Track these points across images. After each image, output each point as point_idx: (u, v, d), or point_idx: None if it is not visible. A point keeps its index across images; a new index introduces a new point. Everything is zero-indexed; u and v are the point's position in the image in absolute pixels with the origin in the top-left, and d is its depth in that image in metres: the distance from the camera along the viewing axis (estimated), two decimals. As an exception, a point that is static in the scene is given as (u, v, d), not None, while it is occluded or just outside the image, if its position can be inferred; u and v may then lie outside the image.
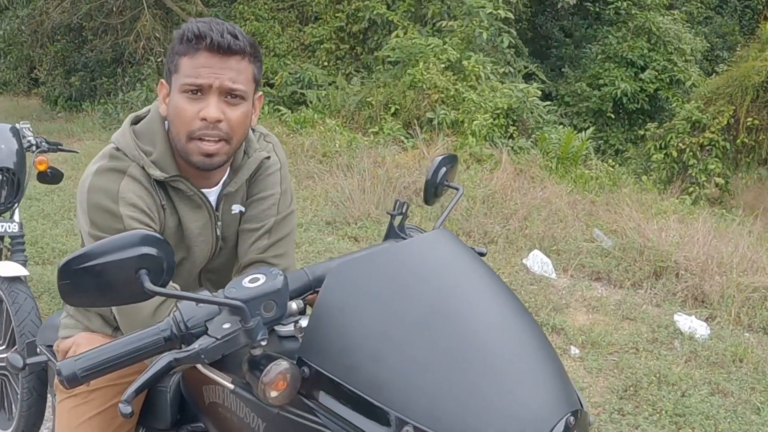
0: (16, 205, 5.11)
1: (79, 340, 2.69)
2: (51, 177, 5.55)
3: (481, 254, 2.30)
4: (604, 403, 5.51)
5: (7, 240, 5.18)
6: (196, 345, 1.71)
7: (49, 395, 4.17)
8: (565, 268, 8.25)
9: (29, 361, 3.59)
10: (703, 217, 9.84)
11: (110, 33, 19.26)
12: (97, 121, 17.23)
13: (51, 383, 3.62)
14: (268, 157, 2.64)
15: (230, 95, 2.31)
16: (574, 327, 6.71)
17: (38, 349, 3.56)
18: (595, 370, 6.00)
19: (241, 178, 2.58)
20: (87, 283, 1.71)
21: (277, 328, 1.95)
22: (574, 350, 6.31)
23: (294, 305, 1.99)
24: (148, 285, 1.69)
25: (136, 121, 2.53)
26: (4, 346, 4.78)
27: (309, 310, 2.05)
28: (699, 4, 21.29)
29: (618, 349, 6.39)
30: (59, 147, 5.59)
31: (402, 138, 12.67)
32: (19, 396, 4.50)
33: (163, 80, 2.44)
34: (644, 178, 13.85)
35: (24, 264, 4.93)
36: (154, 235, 1.75)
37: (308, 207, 9.82)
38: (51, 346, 3.28)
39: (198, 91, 2.29)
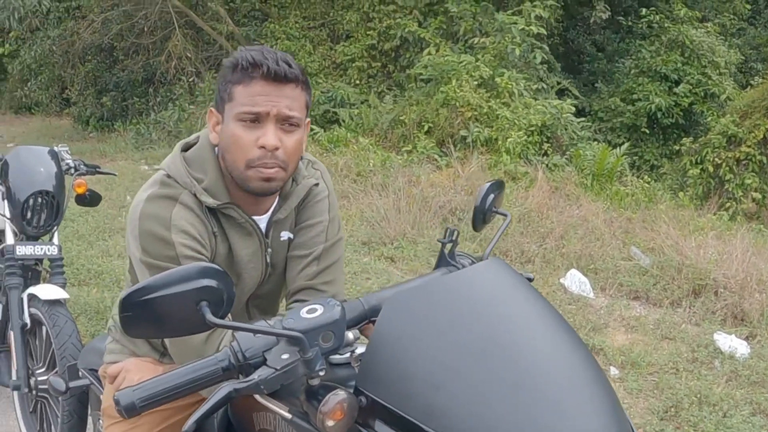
0: (55, 228, 5.16)
1: (128, 366, 2.70)
2: (89, 199, 5.60)
3: (529, 279, 2.32)
4: (645, 424, 5.50)
5: (46, 263, 5.22)
6: (256, 376, 1.73)
7: (90, 418, 4.20)
8: (603, 287, 8.24)
9: (72, 384, 3.63)
10: (741, 233, 9.77)
11: (141, 53, 19.40)
12: (129, 141, 17.33)
13: (93, 406, 3.65)
14: (317, 184, 2.67)
15: (286, 123, 2.34)
16: (613, 347, 6.69)
17: (80, 373, 3.59)
18: (635, 391, 5.99)
19: (290, 206, 2.60)
20: (148, 315, 1.73)
21: (331, 356, 1.97)
22: (614, 371, 6.30)
23: (350, 335, 2.01)
24: (209, 317, 1.72)
25: (185, 149, 2.56)
26: (44, 369, 4.82)
27: (361, 339, 2.08)
28: (732, 16, 21.13)
29: (658, 369, 6.37)
30: (97, 170, 5.64)
31: (436, 156, 12.67)
32: (59, 419, 4.53)
33: (212, 108, 2.47)
34: (681, 194, 13.77)
35: (63, 286, 4.97)
36: (214, 267, 1.78)
37: (344, 227, 9.74)
38: (94, 370, 3.31)
39: (255, 120, 2.32)
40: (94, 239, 9.48)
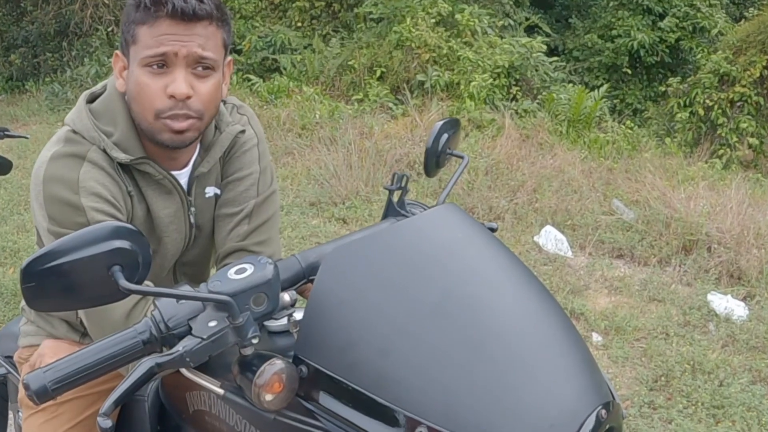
0: (-40, 201, 5.11)
1: (43, 350, 2.68)
2: (-2, 167, 5.55)
3: (492, 230, 2.29)
4: (633, 395, 5.54)
5: (-49, 241, 5.19)
6: (180, 347, 1.70)
7: (10, 412, 4.17)
8: (582, 245, 8.27)
9: (-16, 375, 3.60)
10: (736, 182, 9.84)
11: (52, 2, 19.08)
12: (43, 103, 17.10)
13: (11, 398, 3.62)
14: (243, 131, 2.64)
15: (199, 66, 2.29)
16: (596, 311, 6.73)
17: (-6, 361, 3.56)
18: (620, 359, 6.02)
19: (213, 157, 2.57)
20: (54, 284, 1.68)
21: (267, 323, 1.95)
22: (597, 337, 6.33)
23: (287, 297, 1.98)
24: (123, 282, 1.67)
25: (91, 100, 2.51)
26: (-46, 360, 4.78)
27: (301, 302, 2.06)
28: (724, -60, 21.22)
29: (646, 334, 6.41)
30: (6, 133, 5.57)
31: (390, 105, 12.66)
32: (-26, 415, 4.50)
33: (117, 52, 2.42)
34: (667, 140, 13.81)
35: (-28, 267, 4.94)
36: (126, 226, 1.73)
37: (289, 187, 9.78)
38: (10, 357, 3.28)
39: (162, 64, 2.26)
40: (8, 214, 9.39)
